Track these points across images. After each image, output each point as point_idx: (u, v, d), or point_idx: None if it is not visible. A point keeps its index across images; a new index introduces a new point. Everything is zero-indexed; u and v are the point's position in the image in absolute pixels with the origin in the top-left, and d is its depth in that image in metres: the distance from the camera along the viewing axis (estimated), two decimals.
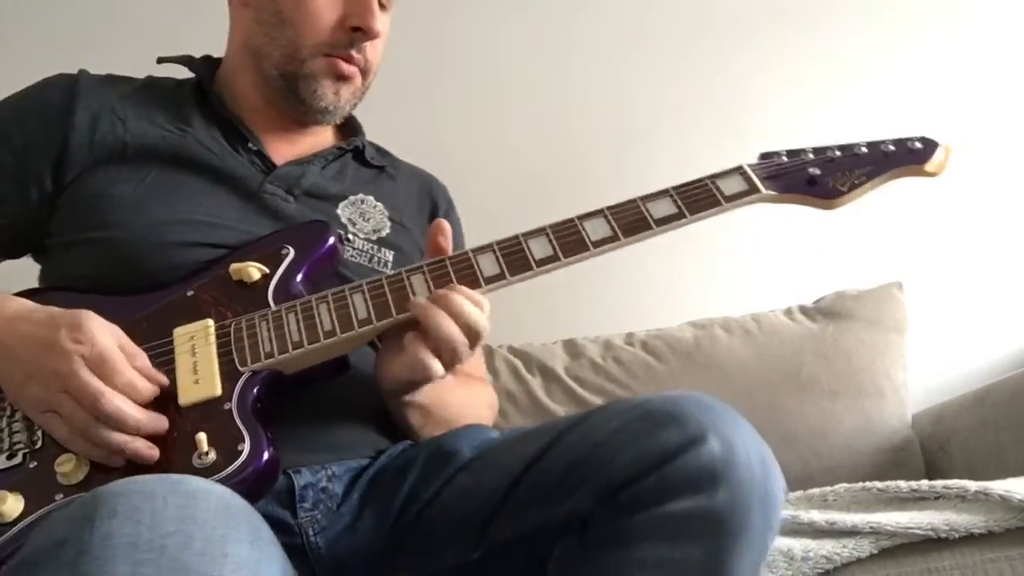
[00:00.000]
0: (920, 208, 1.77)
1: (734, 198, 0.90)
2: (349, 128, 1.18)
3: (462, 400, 1.04)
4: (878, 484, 1.08)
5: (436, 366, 0.85)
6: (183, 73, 1.12)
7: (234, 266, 0.90)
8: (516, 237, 0.89)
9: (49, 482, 0.77)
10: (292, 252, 0.93)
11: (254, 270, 0.89)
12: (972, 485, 1.00)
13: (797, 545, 0.98)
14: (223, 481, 0.74)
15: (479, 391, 1.13)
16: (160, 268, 0.93)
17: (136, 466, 0.78)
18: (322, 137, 1.14)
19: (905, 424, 1.54)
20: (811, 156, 0.93)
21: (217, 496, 0.63)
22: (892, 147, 0.92)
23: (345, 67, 1.04)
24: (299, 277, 0.92)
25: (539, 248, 0.88)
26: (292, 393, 0.87)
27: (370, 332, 0.86)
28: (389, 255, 1.06)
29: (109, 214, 0.95)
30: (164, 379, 0.82)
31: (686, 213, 0.89)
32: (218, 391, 0.81)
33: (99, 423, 0.76)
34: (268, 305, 0.88)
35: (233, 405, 0.80)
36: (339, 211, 1.06)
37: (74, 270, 0.97)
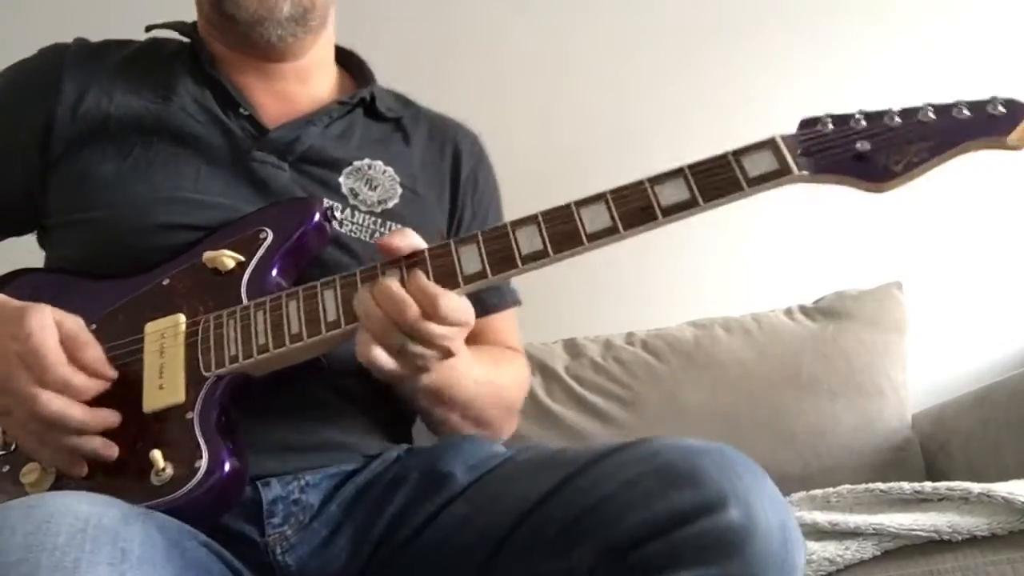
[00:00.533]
0: (920, 208, 1.76)
1: (760, 180, 0.74)
2: (359, 75, 1.08)
3: (483, 378, 0.94)
4: (881, 485, 1.08)
5: (390, 365, 0.76)
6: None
7: (208, 254, 0.85)
8: (504, 227, 0.79)
9: (18, 487, 0.76)
10: (270, 236, 0.87)
11: (228, 259, 0.85)
12: (975, 487, 1.00)
13: None
14: (179, 498, 0.72)
15: (506, 368, 1.02)
16: (143, 251, 0.89)
17: (99, 475, 0.76)
18: (320, 89, 1.05)
19: (905, 424, 1.54)
20: (863, 124, 0.75)
21: (75, 517, 0.58)
22: (967, 111, 0.72)
23: None
24: (276, 265, 0.86)
25: (527, 241, 0.77)
26: (264, 392, 0.83)
27: (339, 336, 0.79)
28: (395, 229, 0.95)
29: (93, 194, 0.92)
30: (111, 373, 0.79)
31: (699, 200, 0.75)
32: (181, 398, 0.78)
33: (46, 426, 0.74)
34: (240, 299, 0.83)
35: (195, 413, 0.77)
36: (341, 179, 0.97)
37: (66, 252, 0.94)
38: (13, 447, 0.80)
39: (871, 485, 1.09)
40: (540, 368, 1.60)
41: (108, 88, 0.97)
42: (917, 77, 1.87)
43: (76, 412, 0.74)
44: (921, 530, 0.95)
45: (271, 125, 0.98)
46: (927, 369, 1.70)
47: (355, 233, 0.95)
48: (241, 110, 0.98)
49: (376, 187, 0.99)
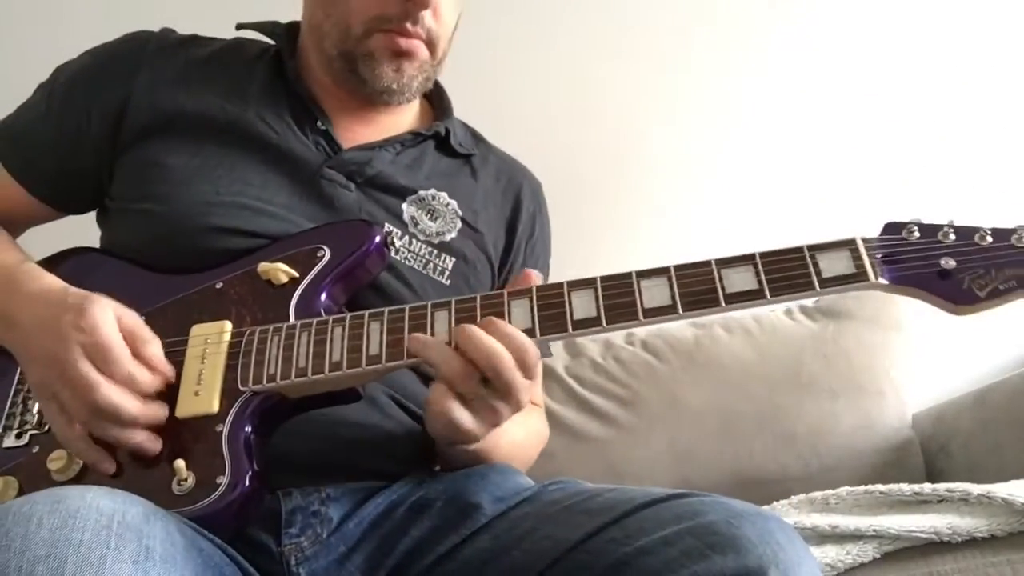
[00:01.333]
0: (920, 208, 1.76)
1: (833, 283, 0.70)
2: (438, 107, 1.09)
3: (517, 440, 0.95)
4: (880, 487, 1.08)
5: (465, 420, 0.75)
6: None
7: (263, 265, 0.86)
8: (560, 286, 0.77)
9: (43, 474, 0.77)
10: (327, 255, 0.87)
11: (283, 273, 0.85)
12: (975, 488, 1.00)
13: None
14: (198, 510, 0.73)
15: (533, 424, 1.04)
16: (195, 252, 0.89)
17: (123, 474, 0.77)
18: (403, 117, 1.05)
19: (905, 424, 1.54)
20: (951, 238, 0.71)
21: (100, 513, 0.59)
22: None
23: (403, 42, 0.95)
24: (329, 285, 0.86)
25: (581, 307, 0.75)
26: (294, 414, 0.84)
27: (378, 372, 0.79)
28: (449, 262, 0.98)
29: (155, 186, 0.92)
30: (171, 372, 0.80)
31: (767, 293, 0.71)
32: (214, 409, 0.79)
33: (95, 414, 0.75)
34: (287, 316, 0.84)
35: (226, 428, 0.78)
36: (404, 206, 0.98)
37: (121, 238, 0.95)
38: (47, 428, 0.81)
39: (871, 487, 1.09)
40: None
41: (186, 82, 0.98)
42: (918, 76, 1.87)
43: (132, 405, 0.75)
44: (921, 532, 0.95)
45: (345, 145, 0.99)
46: (927, 369, 1.70)
47: (409, 261, 0.96)
48: (319, 124, 0.99)
49: (437, 218, 0.99)
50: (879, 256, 0.71)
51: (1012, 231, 0.70)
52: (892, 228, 0.73)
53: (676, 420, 1.53)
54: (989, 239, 0.70)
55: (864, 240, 0.72)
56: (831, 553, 0.95)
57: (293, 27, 1.06)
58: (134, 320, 0.79)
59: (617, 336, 1.65)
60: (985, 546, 0.95)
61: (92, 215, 1.05)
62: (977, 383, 1.53)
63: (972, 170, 1.81)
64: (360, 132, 1.01)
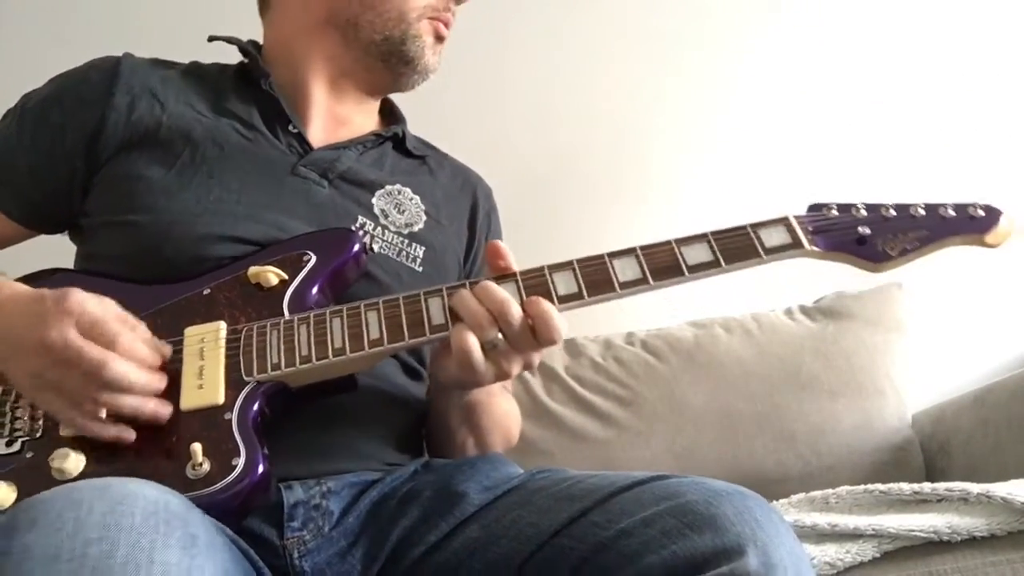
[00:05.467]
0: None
1: (775, 251, 0.84)
2: (391, 116, 1.18)
3: (504, 410, 1.02)
4: (880, 486, 1.08)
5: (479, 362, 0.80)
6: (227, 59, 1.12)
7: (253, 269, 0.88)
8: (541, 269, 0.84)
9: (43, 475, 0.76)
10: (313, 259, 0.90)
11: (272, 275, 0.88)
12: (974, 488, 1.00)
13: None
14: (214, 494, 0.73)
15: (514, 406, 1.10)
16: (183, 260, 0.91)
17: (134, 465, 0.76)
18: (368, 121, 1.13)
19: (905, 424, 1.54)
20: (863, 213, 0.85)
21: (147, 500, 0.60)
22: (952, 212, 0.84)
23: (444, 29, 1.09)
24: (317, 286, 0.89)
25: (563, 284, 0.83)
26: (296, 404, 0.85)
27: (380, 353, 0.83)
28: (420, 251, 1.03)
29: (140, 197, 0.94)
30: (167, 349, 0.82)
31: (722, 262, 0.83)
32: (220, 399, 0.80)
33: (105, 389, 0.75)
34: (282, 313, 0.86)
35: (234, 416, 0.79)
36: (374, 200, 1.04)
37: (103, 251, 0.96)
38: (39, 434, 0.80)
39: (870, 486, 1.09)
40: (540, 367, 1.59)
41: (162, 97, 1.01)
42: (917, 77, 1.88)
43: (140, 376, 0.77)
44: (920, 531, 0.95)
45: (315, 145, 1.04)
46: (927, 369, 1.70)
47: (384, 250, 1.01)
48: (291, 127, 1.04)
49: (404, 211, 1.05)
50: (809, 229, 0.85)
51: (909, 206, 0.86)
52: (815, 207, 0.88)
53: (676, 420, 1.53)
54: (892, 212, 0.85)
55: (795, 217, 0.86)
56: (830, 552, 0.95)
57: (256, 44, 1.13)
58: (115, 305, 0.80)
59: (617, 336, 1.65)
60: (984, 545, 0.95)
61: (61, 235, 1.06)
62: (977, 383, 1.53)
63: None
64: (328, 133, 1.07)
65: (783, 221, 0.85)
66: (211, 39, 1.10)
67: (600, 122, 1.89)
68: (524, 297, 0.82)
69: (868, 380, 1.54)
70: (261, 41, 1.13)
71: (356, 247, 0.93)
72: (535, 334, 0.80)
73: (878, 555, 0.96)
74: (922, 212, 0.85)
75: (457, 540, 0.80)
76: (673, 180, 1.87)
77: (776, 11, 1.91)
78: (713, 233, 0.85)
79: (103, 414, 0.77)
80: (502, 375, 0.82)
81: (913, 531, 0.95)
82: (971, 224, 0.84)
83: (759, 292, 1.76)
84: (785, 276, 1.80)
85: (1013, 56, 1.88)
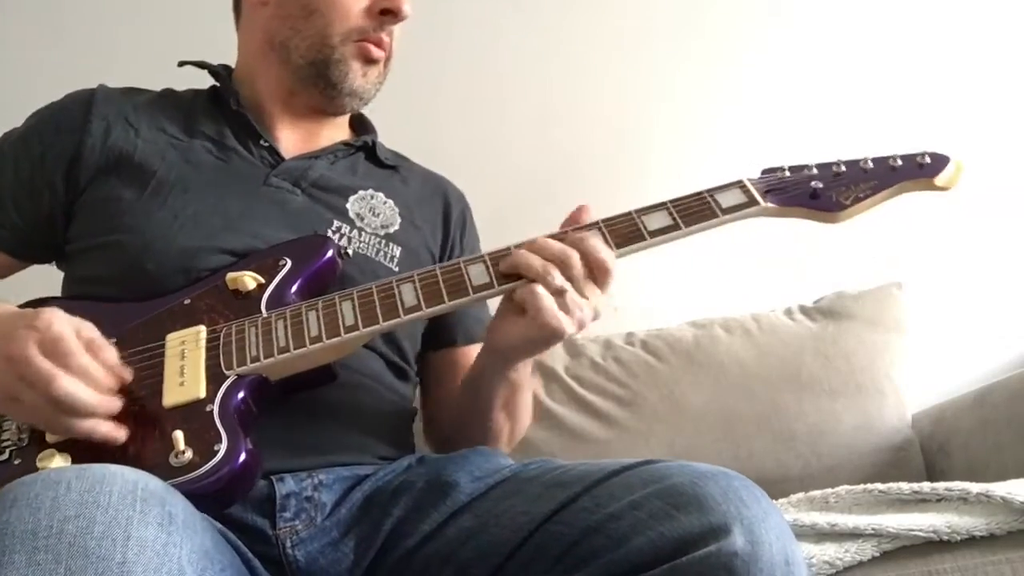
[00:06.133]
0: (920, 208, 1.76)
1: (732, 210, 0.88)
2: (361, 127, 1.19)
3: (529, 399, 1.06)
4: (880, 486, 1.08)
5: (554, 313, 0.83)
6: (199, 84, 1.15)
7: (230, 275, 0.91)
8: (508, 248, 0.88)
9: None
10: (289, 264, 0.93)
11: (249, 279, 0.91)
12: (974, 487, 1.00)
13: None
14: (197, 480, 0.74)
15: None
16: (166, 272, 0.93)
17: (119, 456, 0.77)
18: (337, 133, 1.15)
19: (905, 424, 1.54)
20: (814, 171, 0.91)
21: (125, 480, 0.62)
22: (900, 161, 0.89)
23: (375, 51, 1.07)
24: (294, 287, 0.92)
25: None
26: (278, 397, 0.87)
27: (356, 339, 0.86)
28: (396, 250, 1.05)
29: (116, 218, 0.97)
30: (128, 374, 0.81)
31: (681, 225, 0.88)
32: (202, 393, 0.82)
33: (57, 408, 0.76)
34: (260, 312, 0.89)
35: (215, 407, 0.80)
36: (348, 205, 1.06)
37: (88, 273, 0.98)
38: (26, 443, 0.82)
39: (870, 486, 1.09)
40: (540, 367, 1.59)
41: (135, 123, 1.04)
42: (916, 79, 1.88)
43: (88, 396, 0.77)
44: (920, 530, 0.95)
45: (286, 156, 1.07)
46: (927, 369, 1.70)
47: (362, 250, 1.03)
48: (262, 141, 1.06)
49: (379, 214, 1.07)
50: (763, 188, 0.90)
51: (858, 160, 0.90)
52: (768, 171, 0.93)
53: (676, 420, 1.53)
54: (843, 168, 0.90)
55: (750, 179, 0.91)
56: (830, 551, 0.95)
57: (227, 67, 1.16)
58: (90, 329, 0.81)
59: (617, 336, 1.65)
60: (984, 545, 0.95)
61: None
62: (977, 383, 1.53)
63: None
64: (300, 145, 1.10)
65: (737, 184, 0.90)
66: (181, 64, 1.12)
67: (600, 122, 1.89)
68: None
69: (868, 380, 1.54)
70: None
71: (330, 252, 0.96)
72: (593, 272, 0.84)
73: (877, 554, 0.96)
74: (871, 165, 0.89)
75: (450, 529, 0.81)
76: (673, 180, 1.86)
77: (776, 14, 1.92)
78: (672, 201, 0.89)
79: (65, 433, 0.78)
80: (577, 322, 0.84)
81: (912, 531, 0.95)
82: (920, 171, 0.88)
83: (759, 292, 1.76)
84: (785, 276, 1.81)
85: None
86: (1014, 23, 1.89)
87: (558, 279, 0.83)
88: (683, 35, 1.92)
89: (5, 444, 0.82)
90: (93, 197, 1.00)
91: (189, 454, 0.76)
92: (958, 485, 1.02)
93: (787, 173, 0.91)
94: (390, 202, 1.09)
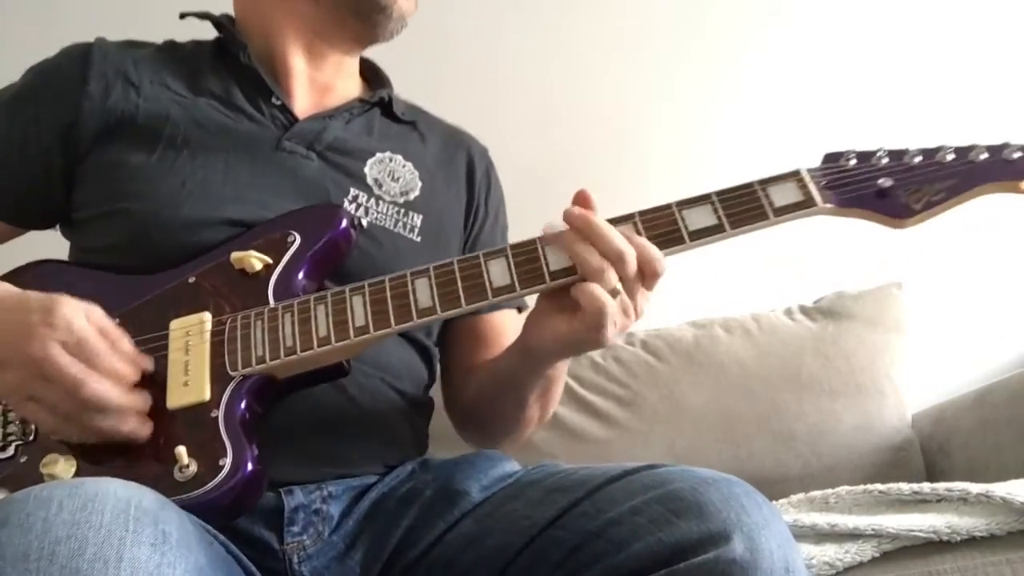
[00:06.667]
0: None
1: (786, 211, 0.77)
2: (376, 80, 1.13)
3: (563, 384, 1.01)
4: (880, 486, 1.08)
5: (611, 310, 0.75)
6: (202, 36, 1.09)
7: (235, 255, 0.86)
8: (533, 243, 0.81)
9: (35, 481, 0.74)
10: (298, 240, 0.87)
11: (256, 260, 0.85)
12: (974, 487, 1.00)
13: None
14: (202, 496, 0.73)
15: None
16: (171, 246, 0.89)
17: (122, 467, 0.76)
18: (352, 87, 1.09)
19: (905, 424, 1.54)
20: (885, 161, 0.78)
21: (118, 499, 0.60)
22: (985, 155, 0.76)
23: None
24: (303, 268, 0.87)
25: (556, 259, 0.80)
26: (288, 398, 0.84)
27: (366, 341, 0.81)
28: (417, 219, 1.00)
29: (121, 186, 0.92)
30: (149, 363, 0.80)
31: (726, 226, 0.77)
32: (206, 396, 0.79)
33: (84, 408, 0.75)
34: (267, 300, 0.84)
35: (220, 413, 0.78)
36: (366, 169, 1.00)
37: (93, 243, 0.94)
38: (32, 437, 0.81)
39: (870, 486, 1.08)
40: None
41: (136, 82, 0.98)
42: (917, 74, 1.87)
43: (117, 396, 0.76)
44: (920, 531, 0.95)
45: (300, 116, 1.00)
46: (927, 369, 1.70)
47: (380, 222, 0.97)
48: (274, 99, 1.00)
49: (398, 179, 1.02)
50: (823, 183, 0.78)
51: (936, 150, 0.78)
52: (831, 157, 0.80)
53: (676, 420, 1.53)
54: (918, 159, 0.78)
55: (808, 170, 0.79)
56: (830, 552, 0.95)
57: (230, 17, 1.09)
58: (101, 317, 0.79)
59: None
60: (984, 545, 0.95)
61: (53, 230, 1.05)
62: (977, 383, 1.53)
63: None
64: (314, 102, 1.04)
65: (794, 176, 0.79)
66: (183, 16, 1.06)
67: (600, 122, 1.89)
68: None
69: (868, 380, 1.54)
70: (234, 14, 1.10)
71: (343, 223, 0.89)
72: (643, 272, 0.76)
73: (877, 555, 0.96)
74: (951, 157, 0.77)
75: (451, 535, 0.81)
76: (673, 179, 1.87)
77: (776, 14, 1.91)
78: (718, 193, 0.79)
79: (84, 430, 0.77)
80: (621, 327, 0.77)
81: (913, 531, 0.95)
82: (1006, 168, 0.76)
83: (759, 292, 1.76)
84: (785, 276, 1.81)
85: None
86: (1014, 23, 1.89)
87: (613, 279, 0.75)
88: (683, 35, 1.92)
89: (11, 438, 0.81)
90: (96, 162, 0.94)
91: (193, 467, 0.74)
92: (958, 485, 1.02)
93: (853, 162, 0.79)
94: (409, 165, 1.04)
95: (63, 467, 0.76)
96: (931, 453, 1.52)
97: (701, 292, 1.82)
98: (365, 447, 0.91)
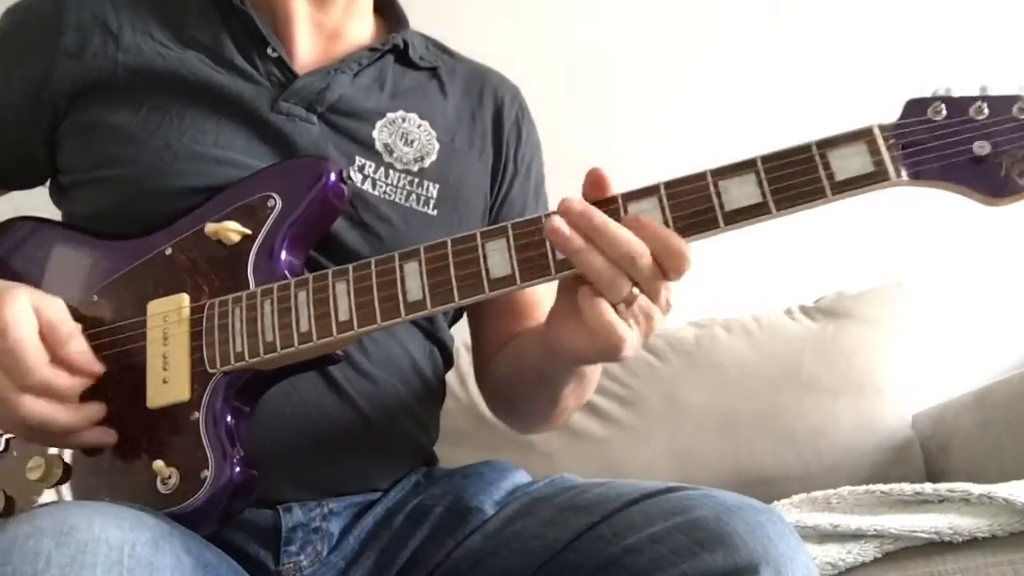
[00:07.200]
0: (921, 207, 1.76)
1: (849, 186, 0.61)
2: (392, 19, 1.00)
3: (598, 373, 0.90)
4: (882, 487, 1.08)
5: (621, 329, 0.64)
6: None
7: (210, 227, 0.78)
8: (538, 220, 0.68)
9: (25, 481, 0.75)
10: (278, 204, 0.78)
11: (233, 233, 0.78)
12: (976, 488, 1.00)
13: None
14: (186, 508, 0.70)
15: None
16: (160, 215, 0.81)
17: (107, 475, 0.75)
18: (363, 29, 0.96)
19: (905, 424, 1.54)
20: (985, 113, 0.60)
21: (110, 548, 0.56)
22: None
23: None
24: (286, 238, 0.78)
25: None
26: (284, 410, 0.79)
27: (351, 337, 0.73)
28: (433, 189, 0.89)
29: (105, 150, 0.84)
30: (97, 368, 0.74)
31: (771, 206, 0.62)
32: (186, 395, 0.74)
33: (30, 431, 0.71)
34: (247, 281, 0.76)
35: (201, 415, 0.73)
36: (375, 133, 0.89)
37: (79, 210, 0.87)
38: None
39: (872, 487, 1.09)
40: None
41: (116, 30, 0.87)
42: (918, 69, 1.87)
43: (60, 416, 0.71)
44: (922, 531, 0.95)
45: (300, 70, 0.89)
46: (927, 369, 1.70)
47: (389, 195, 0.87)
48: (269, 51, 0.89)
49: (412, 142, 0.91)
50: (901, 145, 0.61)
51: None
52: (914, 108, 0.62)
53: (676, 420, 1.53)
54: None
55: (882, 128, 0.62)
56: (832, 552, 0.95)
57: None
58: (55, 314, 0.73)
59: None
60: (986, 546, 0.95)
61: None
62: (977, 383, 1.53)
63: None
64: (317, 53, 0.93)
65: (865, 136, 0.62)
66: None
67: (605, 120, 1.89)
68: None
69: (868, 380, 1.54)
70: None
71: (331, 177, 0.79)
72: (663, 265, 0.64)
73: (880, 555, 0.96)
74: None
75: (458, 553, 0.77)
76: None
77: (776, 15, 1.91)
78: (765, 160, 0.63)
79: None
80: (644, 333, 0.67)
81: (915, 531, 0.95)
82: None
83: (759, 292, 1.76)
84: (785, 276, 1.81)
85: None
86: (1013, 23, 1.88)
87: (625, 288, 0.64)
88: (683, 29, 1.92)
89: (3, 433, 0.78)
90: (76, 123, 0.86)
91: (175, 479, 0.71)
92: (960, 486, 1.02)
93: (943, 113, 0.61)
94: (425, 124, 0.92)
95: (48, 470, 0.75)
96: (931, 453, 1.52)
97: (701, 292, 1.82)
98: (369, 461, 0.85)
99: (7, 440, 0.79)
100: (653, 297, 0.66)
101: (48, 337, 0.71)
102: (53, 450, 0.76)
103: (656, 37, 1.92)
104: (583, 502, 0.73)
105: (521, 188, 0.99)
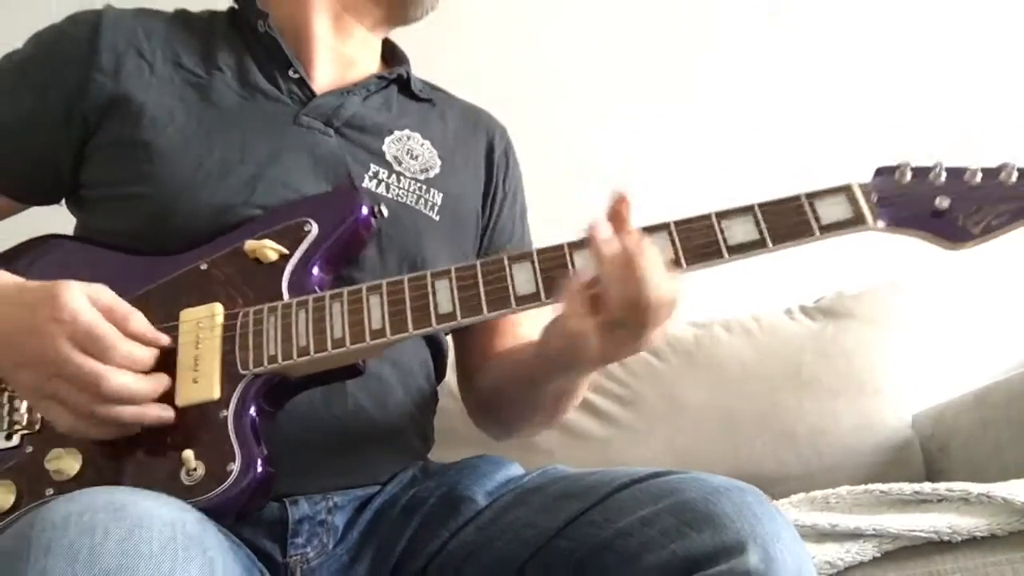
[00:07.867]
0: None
1: (833, 228, 0.72)
2: (393, 57, 1.11)
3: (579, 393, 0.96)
4: (880, 486, 1.08)
5: (593, 345, 0.71)
6: (215, 6, 1.06)
7: (249, 244, 0.83)
8: (561, 248, 0.76)
9: (41, 474, 0.76)
10: (315, 229, 0.84)
11: (270, 251, 0.83)
12: (975, 488, 1.00)
13: None
14: (209, 500, 0.72)
15: None
16: (190, 232, 0.86)
17: (131, 468, 0.76)
18: (371, 63, 1.07)
19: (905, 424, 1.54)
20: (943, 179, 0.72)
21: (164, 523, 0.59)
22: None
23: None
24: (319, 260, 0.84)
25: (585, 269, 0.76)
26: (293, 407, 0.82)
27: (383, 345, 0.78)
28: (438, 197, 0.97)
29: (138, 166, 0.88)
30: (164, 339, 0.78)
31: (768, 241, 0.73)
32: (216, 394, 0.77)
33: (105, 403, 0.73)
34: (281, 293, 0.82)
35: (230, 413, 0.76)
36: (385, 147, 0.98)
37: (106, 226, 0.90)
38: (38, 427, 0.79)
39: (871, 486, 1.09)
40: None
41: (149, 57, 0.94)
42: (919, 74, 1.87)
43: (143, 385, 0.74)
44: (921, 531, 0.95)
45: (318, 91, 0.98)
46: (927, 369, 1.70)
47: (401, 197, 0.95)
48: (291, 72, 0.97)
49: (417, 156, 1.00)
50: (875, 199, 0.73)
51: (999, 169, 0.72)
52: (884, 172, 0.75)
53: (676, 420, 1.53)
54: (979, 177, 0.72)
55: (860, 185, 0.74)
56: (831, 551, 0.95)
57: None
58: (108, 296, 0.76)
59: None
60: (985, 546, 0.95)
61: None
62: (977, 383, 1.53)
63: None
64: (333, 77, 1.01)
65: (845, 190, 0.73)
66: None
67: (607, 126, 1.89)
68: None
69: (868, 380, 1.54)
70: None
71: (364, 211, 0.86)
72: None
73: (879, 555, 0.96)
74: (1015, 178, 0.71)
75: (453, 544, 0.79)
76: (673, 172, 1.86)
77: (776, 15, 1.91)
78: (761, 205, 0.74)
79: (105, 425, 0.75)
80: (634, 350, 0.73)
81: (914, 531, 0.95)
82: None
83: (759, 292, 1.76)
84: (785, 276, 1.81)
85: None
86: (1013, 24, 1.89)
87: (618, 315, 0.71)
88: (686, 31, 1.92)
89: (16, 427, 0.79)
90: (107, 140, 0.90)
91: (201, 471, 0.73)
92: (959, 485, 1.02)
93: (908, 178, 0.73)
94: (427, 143, 1.01)
95: (67, 462, 0.76)
96: (931, 453, 1.52)
97: (701, 292, 1.82)
98: (371, 456, 0.89)
99: (22, 435, 0.79)
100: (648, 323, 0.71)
101: (110, 317, 0.75)
102: (70, 445, 0.77)
103: (656, 37, 1.92)
104: (575, 489, 0.75)
105: (510, 214, 1.10)
